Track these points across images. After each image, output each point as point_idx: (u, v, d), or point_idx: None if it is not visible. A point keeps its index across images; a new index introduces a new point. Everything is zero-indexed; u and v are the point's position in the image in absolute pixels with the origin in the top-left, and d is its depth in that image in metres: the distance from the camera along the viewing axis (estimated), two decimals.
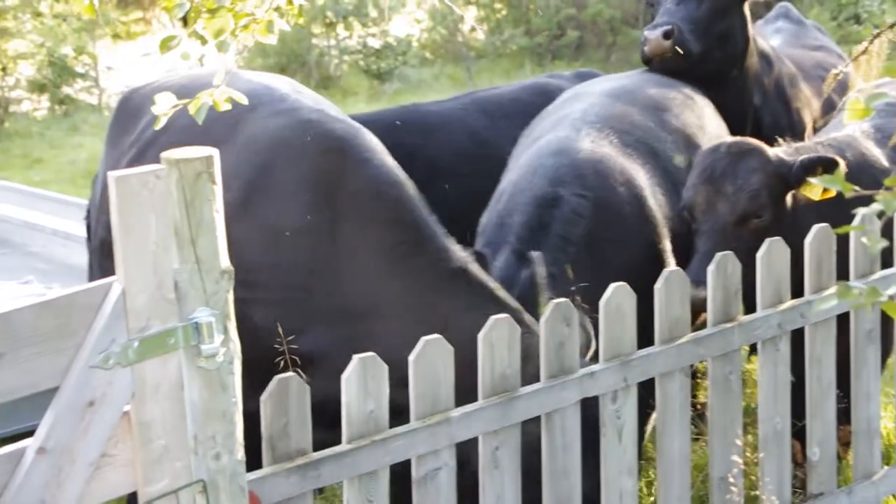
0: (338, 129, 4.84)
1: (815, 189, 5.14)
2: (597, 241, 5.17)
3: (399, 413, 3.92)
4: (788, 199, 5.35)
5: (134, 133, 5.33)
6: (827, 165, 5.18)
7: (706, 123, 6.20)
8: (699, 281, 4.74)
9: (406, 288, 4.56)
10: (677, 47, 6.19)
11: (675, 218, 5.49)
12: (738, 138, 5.46)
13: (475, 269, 4.64)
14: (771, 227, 5.19)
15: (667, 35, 6.19)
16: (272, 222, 4.65)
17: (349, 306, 4.57)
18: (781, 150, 5.48)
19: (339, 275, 4.60)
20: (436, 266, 4.59)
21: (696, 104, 6.31)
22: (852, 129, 5.86)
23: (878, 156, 5.73)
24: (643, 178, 5.49)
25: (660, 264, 5.20)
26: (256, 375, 3.93)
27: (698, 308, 4.72)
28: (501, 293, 4.61)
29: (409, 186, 4.77)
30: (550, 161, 5.42)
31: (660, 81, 6.44)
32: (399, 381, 3.93)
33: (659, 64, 6.34)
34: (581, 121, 5.73)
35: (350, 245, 4.60)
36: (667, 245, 5.39)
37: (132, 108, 5.58)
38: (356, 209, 4.64)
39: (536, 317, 4.45)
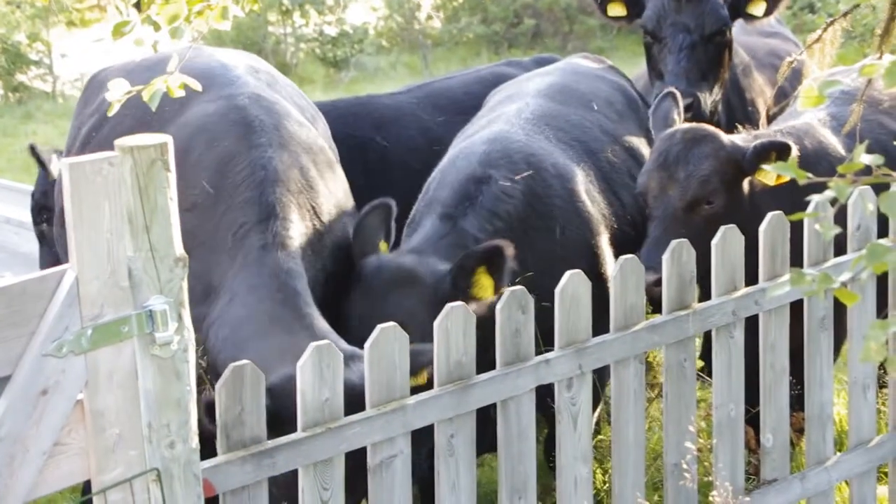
0: (254, 115, 4.96)
1: (770, 175, 5.18)
2: (526, 229, 5.17)
3: None
4: (745, 185, 5.38)
5: (93, 104, 5.41)
6: (780, 150, 5.21)
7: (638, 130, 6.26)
8: (649, 266, 4.77)
9: (238, 268, 4.62)
10: (693, 118, 6.17)
11: (612, 216, 5.51)
12: (694, 124, 5.49)
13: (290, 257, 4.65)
14: (727, 213, 5.22)
15: (688, 108, 6.11)
16: (180, 202, 4.69)
17: (208, 286, 4.64)
18: (738, 138, 5.52)
19: (206, 254, 4.65)
20: (265, 247, 4.62)
21: (631, 101, 6.42)
22: (809, 117, 5.90)
23: (835, 143, 5.77)
24: (578, 174, 5.48)
25: (593, 259, 5.22)
26: None
27: (649, 293, 4.74)
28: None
29: (286, 173, 4.83)
30: (483, 147, 5.42)
31: (593, 76, 6.49)
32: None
33: None
34: (516, 117, 5.73)
35: (217, 224, 4.70)
36: (602, 241, 5.38)
37: (97, 83, 5.69)
38: (232, 190, 4.76)
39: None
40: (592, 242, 5.34)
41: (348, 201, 5.24)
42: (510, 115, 5.77)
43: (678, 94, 5.62)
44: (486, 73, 7.26)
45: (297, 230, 4.73)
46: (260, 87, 5.24)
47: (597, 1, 6.78)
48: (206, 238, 4.64)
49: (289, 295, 4.51)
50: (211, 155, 4.86)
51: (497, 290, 4.66)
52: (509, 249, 4.71)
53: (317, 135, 5.30)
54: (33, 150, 6.94)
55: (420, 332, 4.24)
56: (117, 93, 3.44)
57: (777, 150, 5.22)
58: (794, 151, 5.19)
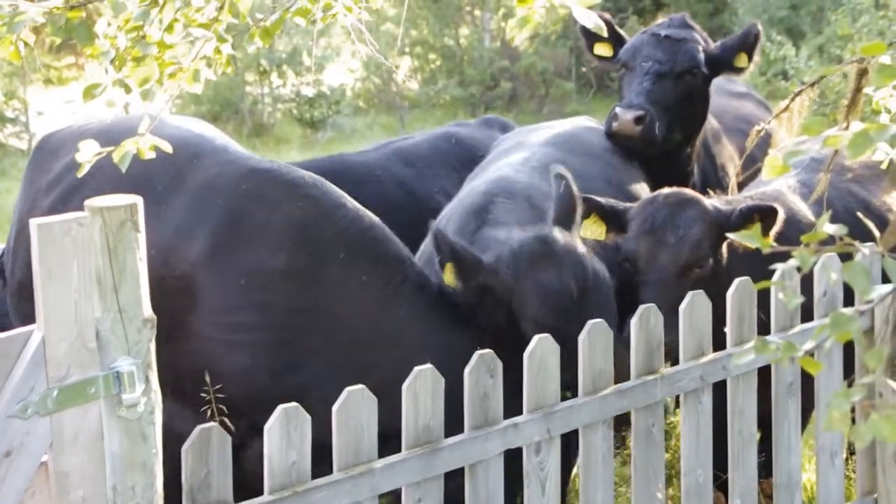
0: (302, 175, 5.07)
1: (809, 235, 5.15)
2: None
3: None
4: (723, 249, 5.41)
5: (52, 172, 5.31)
6: (765, 213, 5.24)
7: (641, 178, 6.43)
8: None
9: (402, 318, 4.89)
10: (644, 132, 6.27)
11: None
12: (674, 189, 5.50)
13: (447, 289, 4.99)
14: (711, 277, 5.25)
15: (638, 120, 6.30)
16: (254, 267, 4.79)
17: (348, 341, 4.81)
18: (716, 201, 5.54)
19: (332, 312, 4.81)
20: (421, 295, 4.97)
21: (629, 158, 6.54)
22: (779, 183, 5.95)
23: (805, 210, 5.81)
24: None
25: None
26: (255, 416, 4.30)
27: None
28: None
29: (381, 224, 5.10)
30: (486, 186, 5.65)
31: (598, 130, 6.65)
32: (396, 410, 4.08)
33: (621, 141, 6.44)
34: (523, 165, 5.92)
35: (340, 283, 4.84)
36: None
37: (51, 148, 5.56)
38: (341, 250, 4.89)
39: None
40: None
41: None
42: (517, 162, 5.96)
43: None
44: (441, 132, 7.41)
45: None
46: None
47: (586, 41, 6.87)
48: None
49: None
50: (280, 217, 4.93)
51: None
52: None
53: None
54: None
55: None
56: (87, 153, 3.45)
57: (762, 214, 5.25)
58: (781, 214, 5.22)
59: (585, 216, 5.44)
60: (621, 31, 6.89)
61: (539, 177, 5.74)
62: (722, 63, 6.69)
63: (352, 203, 5.05)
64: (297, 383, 4.73)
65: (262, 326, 4.78)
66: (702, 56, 6.60)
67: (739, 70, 6.72)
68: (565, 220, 5.17)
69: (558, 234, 5.03)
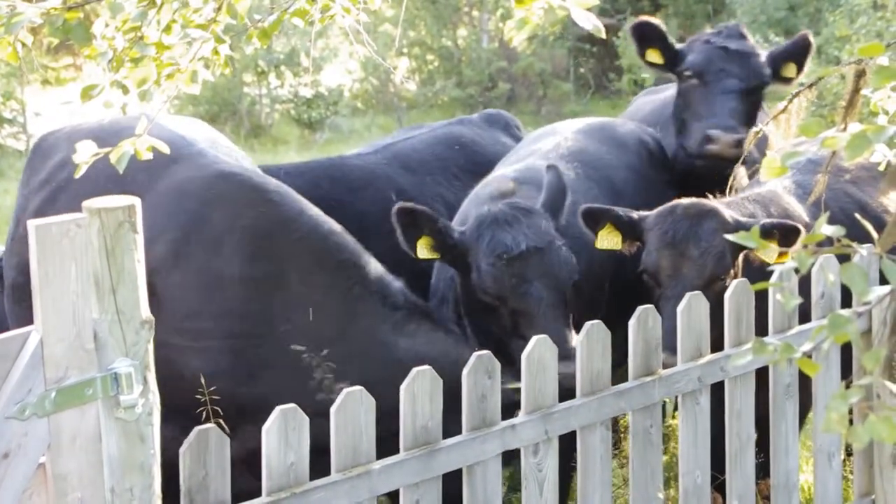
0: (266, 182, 5.08)
1: (770, 253, 5.14)
2: None
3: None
4: (740, 259, 5.38)
5: (43, 173, 5.35)
6: (787, 231, 5.17)
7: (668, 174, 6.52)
8: (674, 347, 4.81)
9: (364, 325, 4.89)
10: (740, 154, 6.27)
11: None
12: (692, 200, 5.46)
13: (411, 295, 5.10)
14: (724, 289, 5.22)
15: (739, 143, 6.24)
16: (213, 272, 4.80)
17: (308, 348, 4.79)
18: (733, 211, 5.50)
19: (292, 320, 4.80)
20: (383, 301, 4.99)
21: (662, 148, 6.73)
22: (774, 184, 5.93)
23: (800, 211, 5.80)
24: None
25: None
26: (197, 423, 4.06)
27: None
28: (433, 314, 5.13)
29: (342, 231, 5.14)
30: (511, 175, 5.81)
31: (628, 124, 6.77)
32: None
33: (711, 162, 6.43)
34: (553, 152, 6.03)
35: (300, 290, 4.84)
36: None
37: (44, 149, 5.63)
38: (301, 257, 4.90)
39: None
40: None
41: None
42: (546, 150, 6.07)
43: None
44: (441, 133, 7.31)
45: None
46: (232, 152, 5.30)
47: (637, 45, 6.86)
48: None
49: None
50: (242, 223, 4.95)
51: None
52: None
53: None
54: None
55: None
56: (84, 154, 3.45)
57: (783, 231, 5.18)
58: (803, 234, 5.15)
59: (601, 226, 5.46)
60: (669, 38, 6.86)
61: (568, 166, 5.81)
62: (773, 73, 6.71)
63: (313, 210, 5.08)
64: (256, 390, 4.74)
65: (221, 333, 4.80)
66: (769, 70, 6.62)
67: (787, 80, 6.72)
68: (553, 206, 5.33)
69: (524, 203, 5.22)
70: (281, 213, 4.97)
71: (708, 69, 6.60)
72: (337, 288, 4.91)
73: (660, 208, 5.45)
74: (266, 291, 4.80)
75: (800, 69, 6.73)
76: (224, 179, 5.01)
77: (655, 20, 6.79)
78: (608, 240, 5.46)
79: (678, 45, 6.87)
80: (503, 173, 5.92)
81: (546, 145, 6.18)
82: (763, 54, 6.75)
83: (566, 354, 4.61)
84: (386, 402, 4.04)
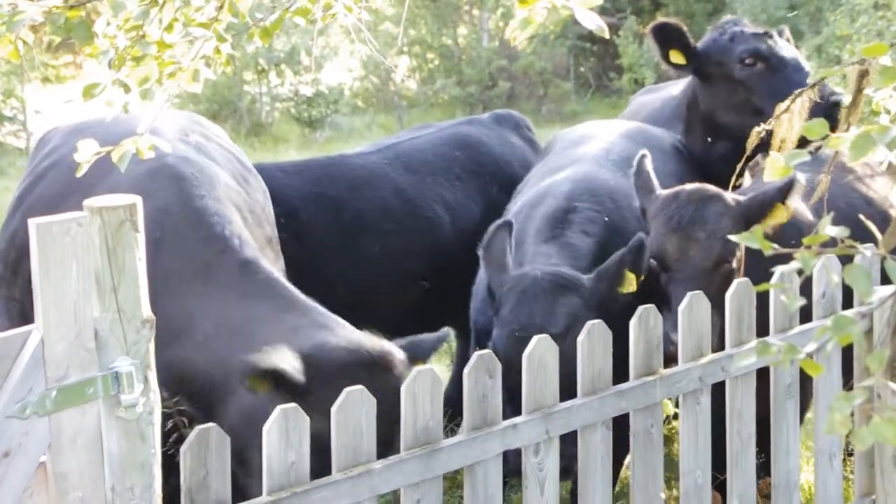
0: (188, 171, 4.97)
1: (811, 237, 5.13)
2: (604, 255, 5.25)
3: None
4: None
5: (32, 164, 5.41)
6: (787, 190, 5.24)
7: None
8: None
9: (214, 306, 4.62)
10: None
11: None
12: (694, 185, 5.46)
13: (281, 278, 4.76)
14: (734, 270, 5.25)
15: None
16: None
17: (163, 328, 4.61)
18: (734, 194, 5.52)
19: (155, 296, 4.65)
20: (241, 281, 4.67)
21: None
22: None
23: (804, 210, 5.78)
24: None
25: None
26: None
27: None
28: (307, 301, 4.68)
29: (233, 219, 4.88)
30: (567, 185, 5.70)
31: (657, 130, 6.76)
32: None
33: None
34: (604, 158, 5.99)
35: (165, 267, 4.63)
36: None
37: (40, 144, 5.68)
38: (176, 237, 4.74)
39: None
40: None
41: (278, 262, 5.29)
42: (597, 156, 6.02)
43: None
44: (448, 133, 7.27)
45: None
46: (188, 150, 5.22)
47: (659, 48, 6.83)
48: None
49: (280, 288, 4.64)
50: (146, 209, 4.85)
51: (638, 280, 5.03)
52: (647, 244, 5.07)
53: (246, 198, 5.29)
54: None
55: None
56: (86, 153, 3.44)
57: (784, 195, 5.24)
58: (801, 182, 5.21)
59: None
60: (690, 38, 6.85)
61: (621, 173, 5.81)
62: None
63: (213, 196, 4.93)
64: None
65: None
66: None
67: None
68: (613, 276, 5.12)
69: (567, 275, 5.05)
70: (170, 199, 4.85)
71: (772, 55, 6.59)
72: (195, 264, 4.72)
73: (663, 194, 5.43)
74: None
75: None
76: (158, 169, 4.92)
77: (674, 21, 6.77)
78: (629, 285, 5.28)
79: (697, 45, 6.83)
80: (557, 184, 5.77)
81: (592, 149, 6.11)
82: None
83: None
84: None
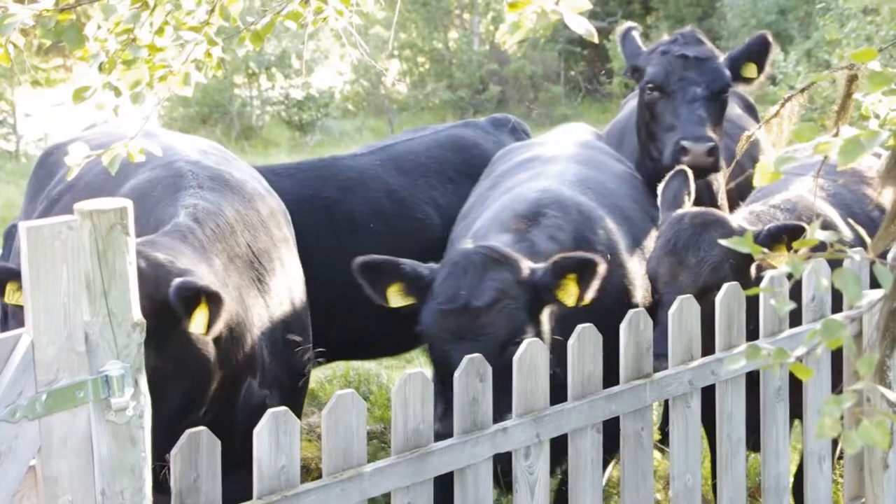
0: (188, 169, 5.07)
1: (780, 257, 5.13)
2: None
3: None
4: (753, 269, 5.34)
5: (45, 190, 5.39)
6: (793, 232, 5.12)
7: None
8: (662, 354, 4.81)
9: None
10: (714, 163, 6.37)
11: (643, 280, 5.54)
12: (702, 209, 5.47)
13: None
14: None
15: (710, 152, 6.32)
16: None
17: None
18: (743, 220, 5.50)
19: None
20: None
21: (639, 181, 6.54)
22: (798, 188, 5.90)
23: (832, 214, 5.76)
24: (617, 233, 5.58)
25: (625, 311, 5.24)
26: None
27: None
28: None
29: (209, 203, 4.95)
30: (533, 195, 5.57)
31: (604, 149, 6.65)
32: None
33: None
34: (560, 178, 5.85)
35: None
36: (638, 299, 5.43)
37: (50, 164, 5.66)
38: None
39: None
40: (631, 299, 5.41)
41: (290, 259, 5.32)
42: (554, 175, 5.90)
43: (690, 174, 5.66)
44: (444, 135, 7.28)
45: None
46: (206, 158, 5.26)
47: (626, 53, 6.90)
48: None
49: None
50: (140, 208, 4.90)
51: (579, 301, 4.80)
52: (602, 268, 4.82)
53: (263, 190, 5.32)
54: None
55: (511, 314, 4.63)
56: (76, 157, 3.44)
57: (790, 233, 5.13)
58: (809, 232, 5.12)
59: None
60: (642, 46, 6.90)
61: (580, 192, 5.73)
62: (733, 74, 6.73)
63: (198, 196, 4.97)
64: None
65: None
66: (728, 73, 6.65)
67: (748, 80, 6.76)
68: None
69: (501, 251, 4.92)
70: (159, 194, 4.96)
71: (668, 80, 6.62)
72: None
73: (672, 215, 5.43)
74: None
75: (760, 69, 6.75)
76: (160, 172, 5.06)
77: (637, 26, 6.81)
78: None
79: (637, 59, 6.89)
80: (518, 193, 5.71)
81: (551, 170, 6.01)
82: (721, 57, 6.78)
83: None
84: None
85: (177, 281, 4.13)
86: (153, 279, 4.13)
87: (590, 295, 4.80)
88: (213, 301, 4.13)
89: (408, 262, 4.95)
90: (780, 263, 5.12)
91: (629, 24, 6.93)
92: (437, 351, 4.77)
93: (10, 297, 4.23)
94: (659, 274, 5.28)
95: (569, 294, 4.81)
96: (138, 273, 3.36)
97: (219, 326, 4.20)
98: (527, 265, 4.89)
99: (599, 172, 6.09)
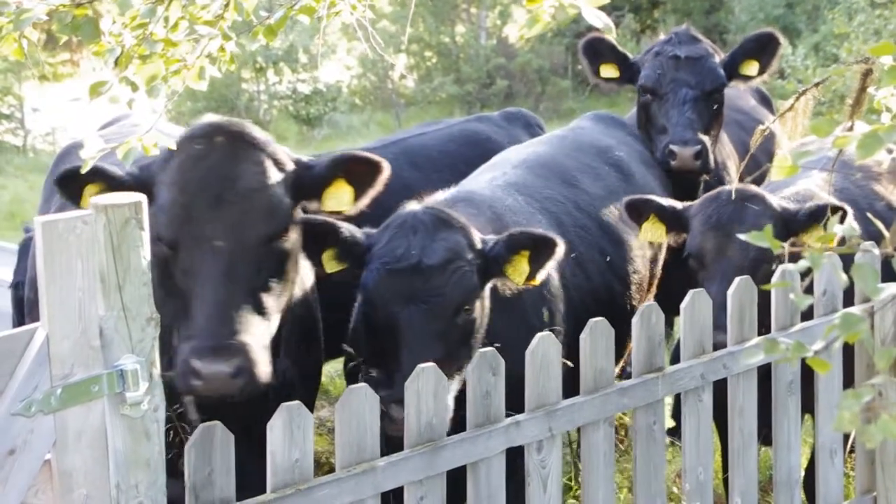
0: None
1: (821, 236, 5.16)
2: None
3: None
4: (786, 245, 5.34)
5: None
6: (833, 213, 5.15)
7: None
8: (720, 325, 4.87)
9: None
10: (702, 165, 6.45)
11: (572, 286, 5.39)
12: (739, 185, 5.49)
13: None
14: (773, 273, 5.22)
15: (697, 155, 6.40)
16: None
17: None
18: (780, 199, 5.51)
19: None
20: None
21: (613, 175, 6.33)
22: (807, 182, 5.91)
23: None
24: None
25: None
26: None
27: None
28: None
29: None
30: (446, 196, 5.33)
31: (592, 150, 6.44)
32: None
33: (677, 175, 6.56)
34: (487, 183, 5.68)
35: None
36: (554, 307, 5.25)
37: (67, 164, 5.66)
38: None
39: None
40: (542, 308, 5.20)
41: None
42: (481, 181, 5.75)
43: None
44: (457, 130, 7.27)
45: None
46: None
47: (590, 64, 6.90)
48: None
49: None
50: None
51: (528, 281, 4.66)
52: (560, 250, 4.67)
53: None
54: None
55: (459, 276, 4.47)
56: (91, 150, 3.45)
57: (833, 213, 5.16)
58: (850, 216, 5.16)
59: (644, 218, 5.48)
60: (623, 50, 6.93)
61: (502, 192, 5.55)
62: (732, 72, 6.74)
63: None
64: None
65: None
66: (722, 71, 6.66)
67: (747, 78, 6.77)
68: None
69: (451, 212, 4.75)
70: None
71: (661, 82, 6.66)
72: None
73: (705, 195, 5.47)
74: None
75: (764, 67, 6.76)
76: None
77: (605, 35, 6.82)
78: (652, 231, 5.51)
79: (633, 57, 6.91)
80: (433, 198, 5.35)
81: (483, 177, 5.81)
82: (718, 53, 6.79)
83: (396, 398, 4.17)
84: None
85: None
86: None
87: (541, 276, 4.66)
88: None
89: (346, 226, 4.71)
90: (762, 244, 5.16)
91: (591, 35, 6.92)
92: (382, 317, 4.49)
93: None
94: (706, 250, 5.32)
95: (519, 272, 4.66)
96: None
97: None
98: (477, 234, 4.72)
99: (541, 178, 5.86)
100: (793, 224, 5.30)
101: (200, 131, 4.13)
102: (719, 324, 4.87)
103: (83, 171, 3.70)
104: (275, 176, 4.14)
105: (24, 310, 5.73)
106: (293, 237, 4.20)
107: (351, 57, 23.35)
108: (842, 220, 5.10)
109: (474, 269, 4.57)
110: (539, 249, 4.66)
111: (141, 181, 4.07)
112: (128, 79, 3.47)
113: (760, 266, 5.20)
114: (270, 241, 4.06)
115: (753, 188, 5.47)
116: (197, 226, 3.95)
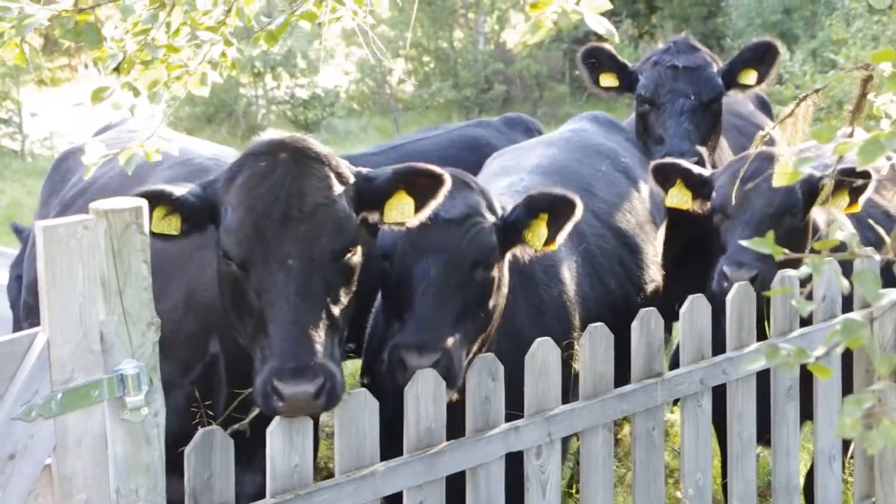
0: (211, 164, 4.88)
1: (841, 201, 5.24)
2: None
3: None
4: (811, 215, 5.45)
5: (59, 194, 5.39)
6: (860, 177, 5.24)
7: (635, 206, 6.14)
8: (741, 262, 4.98)
9: None
10: None
11: (593, 300, 5.37)
12: (762, 148, 5.49)
13: None
14: (800, 231, 5.35)
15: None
16: None
17: None
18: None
19: None
20: None
21: (623, 181, 6.29)
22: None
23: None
24: (561, 251, 5.24)
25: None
26: None
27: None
28: None
29: None
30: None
31: (596, 152, 6.39)
32: None
33: None
34: (507, 189, 5.60)
35: None
36: (574, 320, 5.23)
37: (64, 169, 5.66)
38: None
39: None
40: (567, 324, 5.19)
41: None
42: (501, 188, 5.64)
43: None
44: (457, 135, 7.27)
45: None
46: (224, 153, 5.24)
47: (589, 73, 6.91)
48: None
49: None
50: None
51: (547, 244, 4.61)
52: (580, 209, 4.61)
53: None
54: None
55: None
56: (93, 156, 3.45)
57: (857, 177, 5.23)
58: (874, 179, 5.27)
59: (671, 183, 5.53)
60: (623, 59, 6.93)
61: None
62: (730, 81, 6.75)
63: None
64: None
65: None
66: (720, 81, 6.67)
67: (746, 87, 6.78)
68: None
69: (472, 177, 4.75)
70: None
71: (658, 92, 6.66)
72: None
73: (731, 159, 5.52)
74: None
75: (762, 76, 6.76)
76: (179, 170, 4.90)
77: (604, 45, 6.81)
78: (678, 197, 5.56)
79: (632, 66, 6.92)
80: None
81: (502, 183, 5.72)
82: (717, 62, 6.80)
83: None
84: None
85: None
86: None
87: (560, 239, 4.62)
88: None
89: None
90: (763, 250, 5.18)
91: (590, 44, 6.94)
92: (399, 271, 4.45)
93: (157, 224, 3.92)
94: (727, 200, 5.36)
95: (538, 236, 4.60)
96: None
97: None
98: (497, 199, 4.73)
99: (556, 181, 5.85)
100: (815, 188, 5.33)
101: (263, 148, 4.06)
102: (740, 261, 4.99)
103: (85, 177, 3.70)
104: (340, 190, 4.09)
105: (22, 314, 5.72)
106: (360, 250, 4.18)
107: (349, 62, 23.36)
108: (863, 188, 5.22)
109: (493, 229, 4.53)
110: (558, 211, 4.60)
111: (207, 201, 4.02)
112: (130, 84, 3.47)
113: (783, 217, 5.29)
114: (341, 256, 4.04)
115: (774, 150, 5.52)
116: (268, 245, 3.91)
